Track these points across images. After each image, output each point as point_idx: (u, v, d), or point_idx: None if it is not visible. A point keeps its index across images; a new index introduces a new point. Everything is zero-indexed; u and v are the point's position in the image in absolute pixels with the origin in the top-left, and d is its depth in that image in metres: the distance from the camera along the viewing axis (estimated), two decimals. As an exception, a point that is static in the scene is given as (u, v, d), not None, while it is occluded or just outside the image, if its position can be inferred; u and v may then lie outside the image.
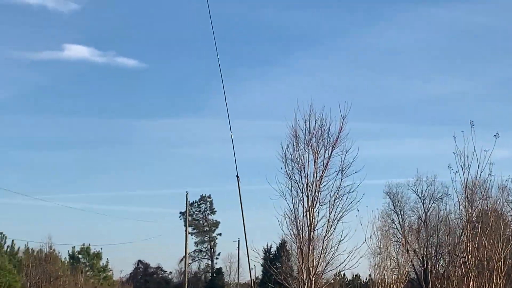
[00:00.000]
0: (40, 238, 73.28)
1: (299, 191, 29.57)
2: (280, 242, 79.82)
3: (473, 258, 17.50)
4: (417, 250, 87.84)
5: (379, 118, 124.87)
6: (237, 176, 10.40)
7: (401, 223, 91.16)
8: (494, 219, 17.87)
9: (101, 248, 62.69)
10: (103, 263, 60.16)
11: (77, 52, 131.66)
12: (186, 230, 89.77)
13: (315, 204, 29.52)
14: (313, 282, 29.05)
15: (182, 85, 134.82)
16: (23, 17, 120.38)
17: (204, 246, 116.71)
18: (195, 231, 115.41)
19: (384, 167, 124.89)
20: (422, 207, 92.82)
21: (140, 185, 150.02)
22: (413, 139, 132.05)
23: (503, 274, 17.31)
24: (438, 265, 70.88)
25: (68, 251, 69.18)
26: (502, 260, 17.19)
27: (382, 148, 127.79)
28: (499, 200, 18.85)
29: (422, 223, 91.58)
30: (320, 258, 29.52)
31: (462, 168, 18.08)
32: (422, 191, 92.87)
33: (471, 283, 17.40)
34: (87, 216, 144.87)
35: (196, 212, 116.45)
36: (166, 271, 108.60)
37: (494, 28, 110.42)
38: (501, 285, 17.28)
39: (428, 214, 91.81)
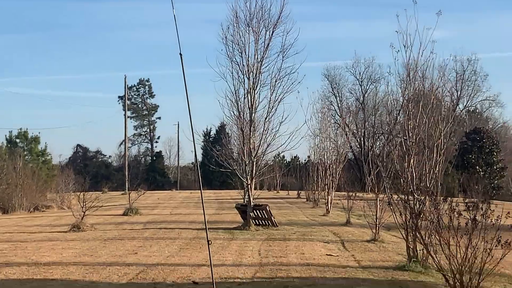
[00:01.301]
0: (-25, 124, 72.21)
1: (240, 73, 29.47)
2: (220, 125, 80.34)
3: (414, 136, 17.72)
4: (355, 131, 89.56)
5: (318, 1, 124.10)
6: (180, 54, 10.10)
7: (340, 105, 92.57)
8: (435, 98, 18.07)
9: (39, 133, 61.91)
10: (41, 148, 59.52)
11: None
12: (125, 114, 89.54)
13: (256, 86, 29.52)
14: (254, 163, 29.34)
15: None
16: None
17: (144, 130, 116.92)
18: (134, 115, 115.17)
19: (323, 50, 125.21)
20: (360, 89, 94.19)
21: (79, 69, 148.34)
22: (351, 22, 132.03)
23: (442, 151, 17.62)
24: (376, 145, 72.38)
25: (5, 135, 68.38)
26: (442, 137, 17.48)
27: (321, 30, 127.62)
28: (439, 80, 18.97)
29: (360, 104, 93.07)
30: (261, 140, 29.76)
31: (405, 46, 18.00)
32: (360, 73, 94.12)
33: (412, 161, 17.69)
34: (24, 100, 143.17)
35: (134, 96, 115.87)
36: (105, 155, 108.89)
37: None
38: (441, 161, 17.61)
39: (366, 96, 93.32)
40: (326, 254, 20.91)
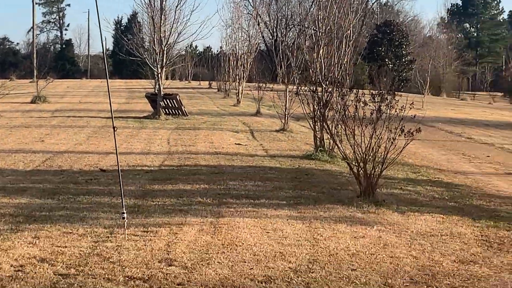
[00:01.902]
0: None
1: (151, -41, 28.73)
2: (132, 13, 78.71)
3: (324, 26, 17.75)
4: (267, 22, 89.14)
5: None
6: None
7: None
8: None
9: None
10: None
11: None
12: (32, 0, 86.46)
13: (168, -27, 28.92)
14: (164, 52, 29.00)
15: None
16: None
17: (53, 17, 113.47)
18: (42, 1, 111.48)
19: None
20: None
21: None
22: None
23: (351, 42, 17.74)
24: (288, 36, 72.21)
25: None
26: (351, 28, 17.57)
27: None
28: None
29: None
30: (172, 28, 29.35)
31: None
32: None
33: (321, 51, 17.77)
34: None
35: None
36: (13, 42, 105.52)
37: None
38: (349, 52, 17.75)
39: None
40: (235, 143, 21.11)
